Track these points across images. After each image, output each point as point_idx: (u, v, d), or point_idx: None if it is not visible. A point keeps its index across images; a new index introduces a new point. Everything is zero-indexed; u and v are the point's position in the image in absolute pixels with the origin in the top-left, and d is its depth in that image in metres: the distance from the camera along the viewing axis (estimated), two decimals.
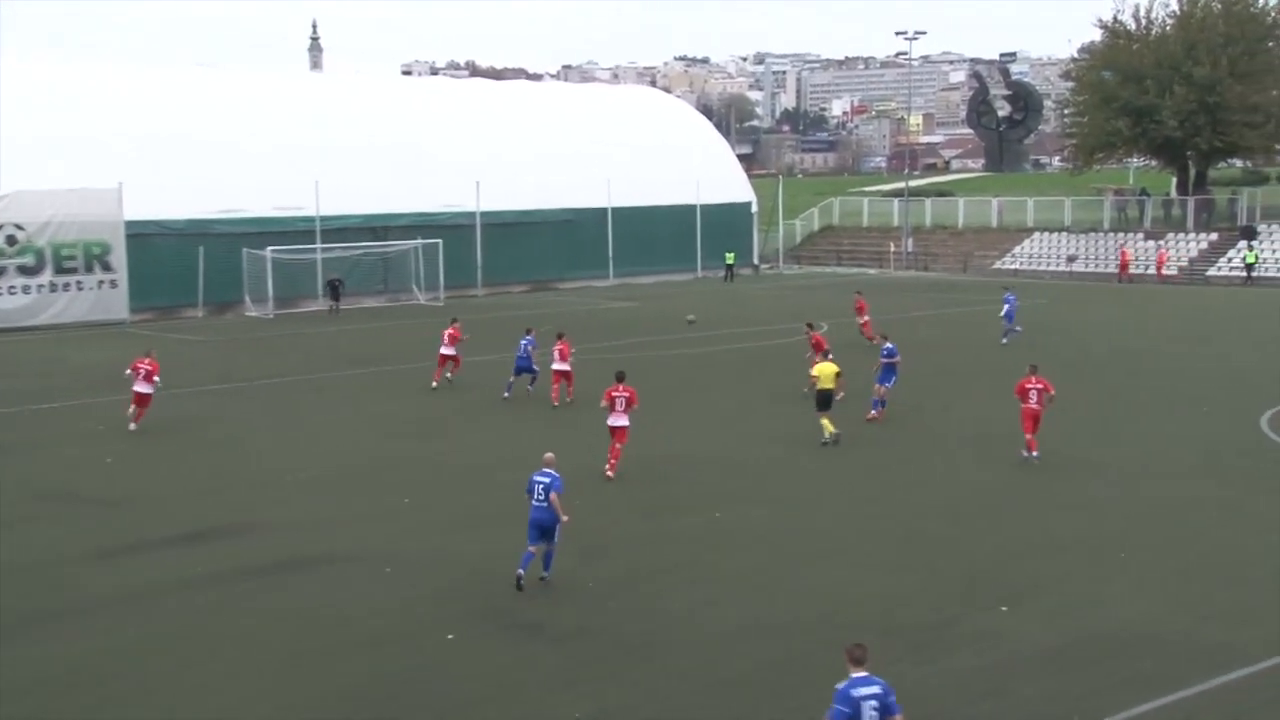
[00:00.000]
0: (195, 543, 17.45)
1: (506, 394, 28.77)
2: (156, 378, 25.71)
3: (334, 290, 49.67)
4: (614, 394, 20.90)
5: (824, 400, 23.39)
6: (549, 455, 15.81)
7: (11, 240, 44.61)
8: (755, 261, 69.59)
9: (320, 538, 17.68)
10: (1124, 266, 60.44)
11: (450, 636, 13.71)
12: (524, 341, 28.97)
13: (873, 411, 25.22)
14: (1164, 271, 59.66)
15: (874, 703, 9.04)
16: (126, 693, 12.40)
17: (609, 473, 20.73)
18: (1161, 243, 62.65)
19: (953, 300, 51.88)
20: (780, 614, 14.23)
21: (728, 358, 35.52)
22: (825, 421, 23.23)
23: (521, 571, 15.16)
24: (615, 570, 16.01)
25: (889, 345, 25.70)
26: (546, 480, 15.26)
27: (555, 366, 27.94)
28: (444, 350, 30.61)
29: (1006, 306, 37.84)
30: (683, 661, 12.95)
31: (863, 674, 9.19)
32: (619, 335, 40.38)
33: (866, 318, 37.22)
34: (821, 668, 12.67)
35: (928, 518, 18.36)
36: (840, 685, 9.13)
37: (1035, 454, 21.54)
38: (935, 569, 15.85)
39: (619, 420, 20.81)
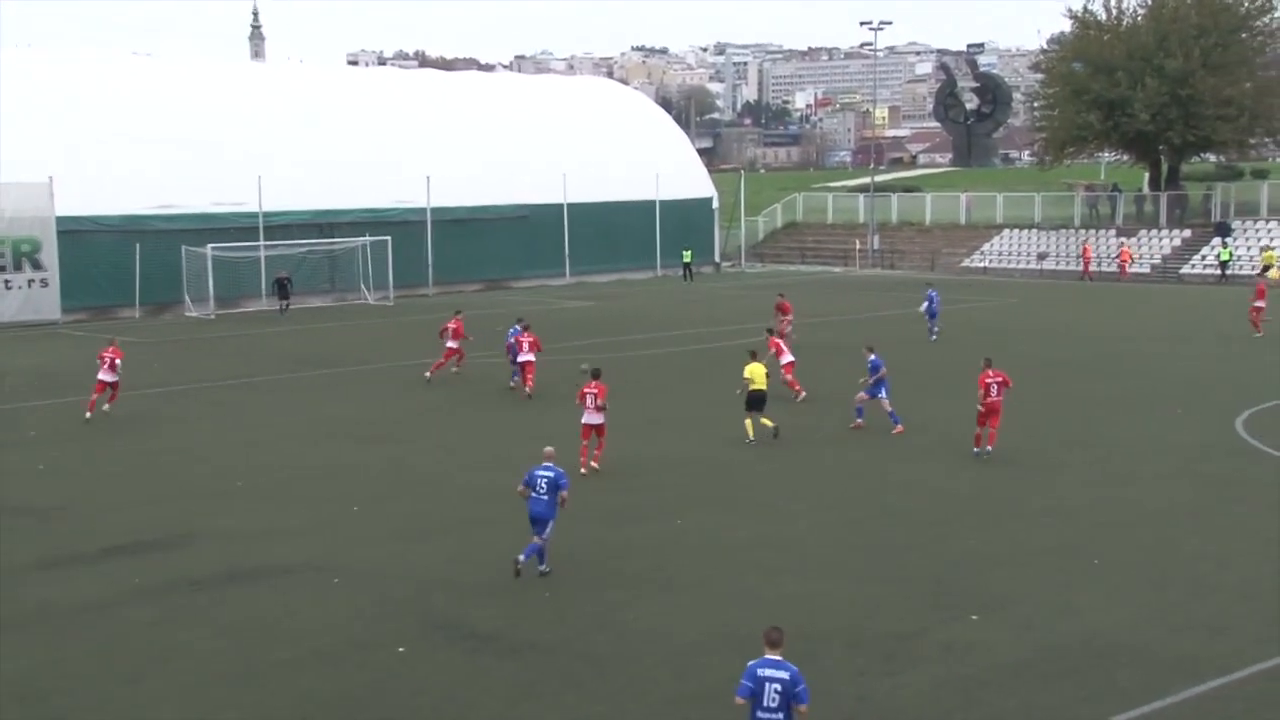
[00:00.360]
0: (136, 554, 17.31)
1: (512, 384, 30.19)
2: (119, 361, 27.19)
3: (282, 289, 49.26)
4: (587, 391, 21.45)
5: (755, 401, 23.99)
6: (549, 449, 16.57)
7: None
8: (716, 259, 69.86)
9: (266, 548, 17.59)
10: (1086, 264, 61.15)
11: (402, 649, 13.70)
12: (513, 331, 30.18)
13: (858, 420, 25.38)
14: (1128, 269, 60.36)
15: (778, 685, 9.69)
16: (76, 707, 12.33)
17: (583, 470, 21.21)
18: (1125, 239, 63.43)
19: (919, 300, 52.23)
20: (746, 624, 14.29)
21: (687, 359, 35.64)
22: (749, 423, 23.91)
23: (522, 559, 15.90)
24: (575, 579, 16.04)
25: (874, 358, 25.62)
26: (551, 475, 16.04)
27: (522, 358, 29.48)
28: (450, 344, 31.24)
29: (927, 303, 38.88)
30: (647, 674, 13.01)
31: (775, 657, 9.84)
32: (576, 335, 40.38)
33: (789, 317, 37.14)
34: None
35: (894, 524, 18.53)
36: (751, 662, 9.84)
37: (990, 449, 22.40)
38: (903, 577, 16.00)
39: (594, 418, 21.39)
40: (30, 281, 45.94)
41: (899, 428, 24.88)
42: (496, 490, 20.75)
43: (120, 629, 14.44)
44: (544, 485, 15.94)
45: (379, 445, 24.59)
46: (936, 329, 38.75)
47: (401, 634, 14.15)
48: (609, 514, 19.22)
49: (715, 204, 70.06)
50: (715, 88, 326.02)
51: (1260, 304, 39.58)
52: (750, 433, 23.90)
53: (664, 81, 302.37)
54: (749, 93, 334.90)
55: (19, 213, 45.29)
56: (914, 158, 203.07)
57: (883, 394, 25.23)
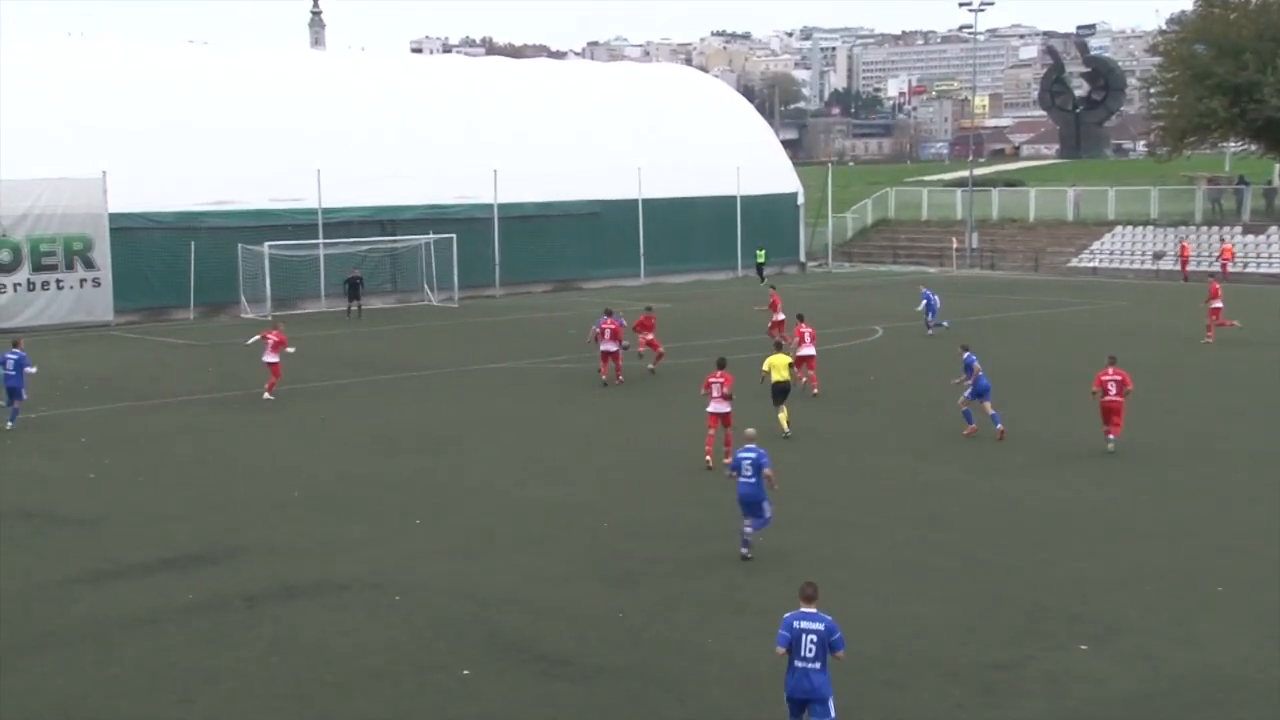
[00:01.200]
0: (187, 567, 17.65)
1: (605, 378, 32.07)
2: (289, 348, 30.82)
3: (353, 289, 49.14)
4: (712, 380, 22.96)
5: (779, 393, 25.56)
6: (751, 430, 18.11)
7: None
8: (802, 259, 69.62)
9: (322, 562, 17.84)
10: (1185, 263, 59.90)
11: (466, 671, 13.82)
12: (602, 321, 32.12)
13: (970, 425, 25.48)
14: (1228, 268, 58.53)
15: (814, 636, 11.04)
16: None
17: (708, 462, 22.76)
18: (1239, 239, 62.07)
19: (1019, 302, 51.69)
20: None
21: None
22: (782, 416, 25.43)
23: (745, 551, 17.44)
24: (647, 599, 16.08)
25: (968, 355, 25.83)
26: (753, 455, 17.40)
27: (604, 347, 31.57)
28: (605, 347, 32.01)
29: (925, 302, 41.18)
30: (723, 701, 13.01)
31: (811, 610, 11.19)
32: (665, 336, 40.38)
33: (780, 316, 37.17)
34: (878, 709, 12.70)
35: (987, 542, 18.34)
36: (787, 614, 11.22)
37: (1113, 438, 23.53)
38: (1000, 601, 15.83)
39: (720, 406, 22.75)
40: (82, 281, 46.92)
41: (1000, 429, 25.00)
42: (565, 504, 20.90)
43: (171, 645, 14.72)
44: (749, 468, 17.30)
45: (441, 454, 24.84)
46: (943, 323, 40.88)
47: (465, 655, 14.27)
48: (681, 530, 19.23)
49: (800, 200, 69.83)
50: (801, 75, 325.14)
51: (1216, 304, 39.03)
52: (785, 426, 25.12)
53: (746, 69, 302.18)
54: (837, 80, 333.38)
55: (70, 209, 46.23)
56: (1017, 149, 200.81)
57: (986, 399, 25.29)
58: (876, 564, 17.51)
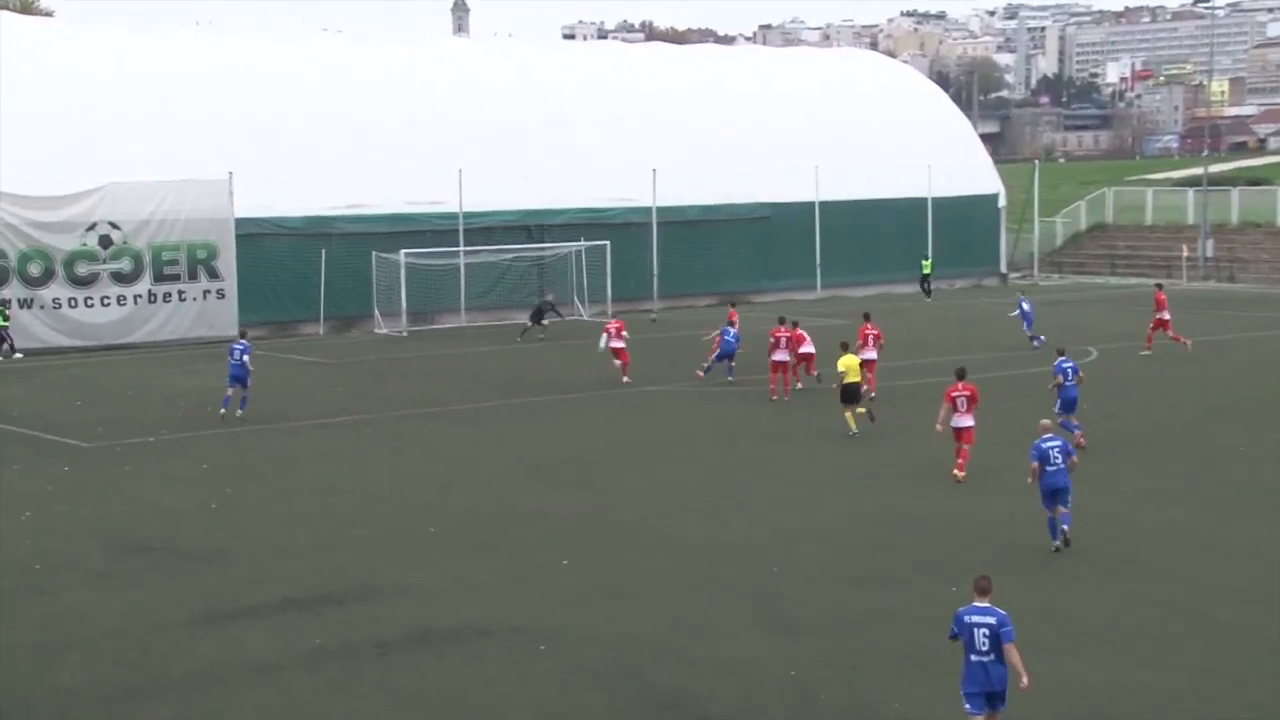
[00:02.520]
0: (313, 608, 18.15)
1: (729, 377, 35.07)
2: (625, 332, 36.55)
3: (539, 313, 48.35)
4: (954, 394, 24.76)
5: (849, 394, 28.83)
6: (1046, 422, 20.74)
7: (106, 241, 46.69)
8: (1003, 270, 68.56)
9: (461, 605, 18.17)
10: None
11: None
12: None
13: (1079, 437, 26.40)
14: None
15: (985, 630, 12.34)
16: None
17: (958, 474, 24.62)
18: None
19: (1262, 320, 50.04)
20: (1028, 715, 13.99)
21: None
22: (849, 416, 28.73)
23: (1056, 542, 19.89)
24: (821, 654, 16.01)
25: (1061, 360, 27.72)
26: (1059, 443, 20.05)
27: (776, 357, 33.44)
28: (777, 357, 33.83)
29: (1018, 311, 43.82)
30: None
31: (984, 604, 12.54)
32: (825, 362, 40.14)
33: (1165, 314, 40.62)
34: None
35: (1225, 599, 17.82)
36: (960, 609, 12.59)
37: None
38: (1243, 663, 15.36)
39: (964, 421, 24.73)
40: (206, 293, 48.15)
41: (1078, 434, 26.36)
42: (728, 543, 20.92)
43: (296, 694, 15.16)
44: (1058, 456, 19.74)
45: (591, 486, 25.12)
46: (1041, 337, 42.12)
47: (618, 712, 14.39)
48: (862, 576, 19.11)
49: (1002, 202, 68.81)
50: (1004, 59, 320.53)
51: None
52: (852, 424, 28.60)
53: (940, 53, 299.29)
54: (1047, 65, 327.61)
55: (195, 214, 47.56)
56: (1262, 142, 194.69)
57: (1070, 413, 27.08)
58: (1083, 619, 17.14)
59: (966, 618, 12.42)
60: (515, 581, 19.22)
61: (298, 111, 52.86)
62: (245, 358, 31.54)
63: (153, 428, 31.56)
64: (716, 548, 20.74)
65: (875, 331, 34.05)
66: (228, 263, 48.39)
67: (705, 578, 19.26)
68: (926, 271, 62.83)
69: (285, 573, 19.74)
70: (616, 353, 36.79)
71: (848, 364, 29.13)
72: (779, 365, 33.62)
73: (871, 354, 33.14)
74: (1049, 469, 19.65)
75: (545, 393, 36.13)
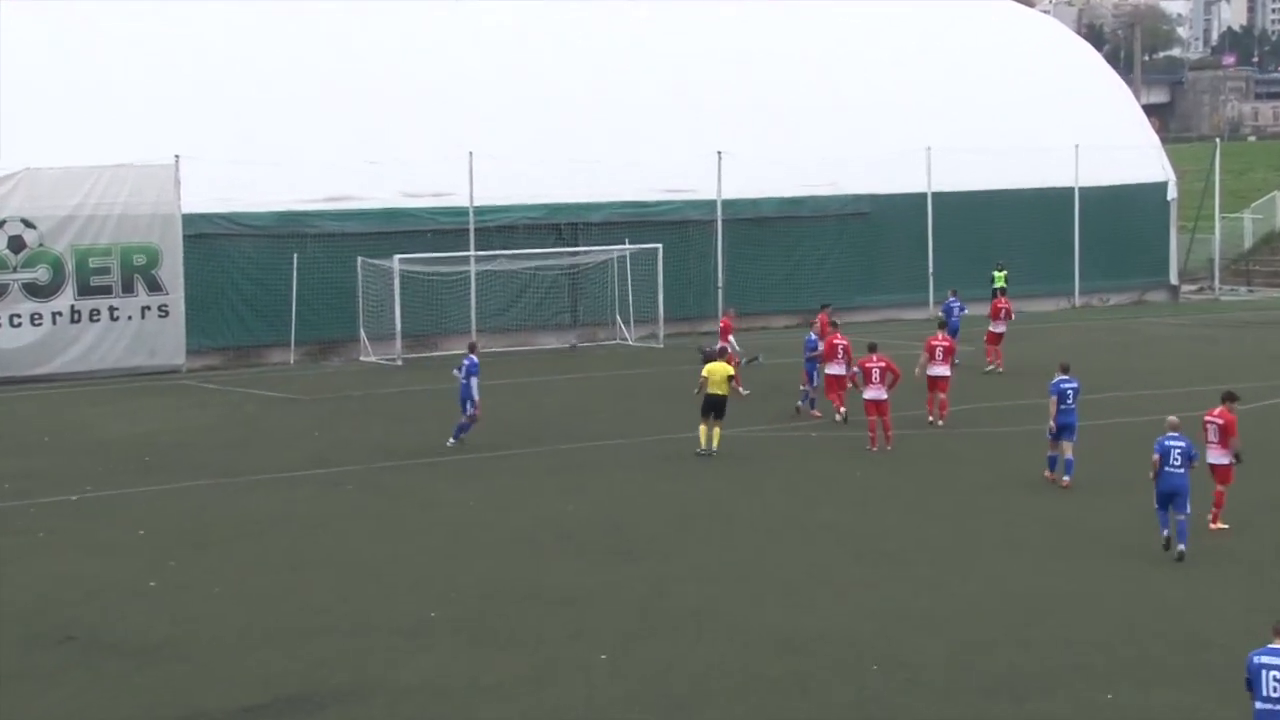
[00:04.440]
0: (283, 714, 18.16)
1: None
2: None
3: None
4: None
5: (711, 405, 33.00)
6: (1173, 419, 24.28)
7: (17, 244, 46.01)
8: (1173, 281, 67.96)
9: (471, 710, 18.14)
10: None
11: None
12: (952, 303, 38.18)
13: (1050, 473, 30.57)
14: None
15: (1276, 673, 14.34)
16: None
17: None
18: None
19: None
20: None
21: (1114, 441, 34.85)
22: (703, 430, 33.10)
23: (1181, 547, 23.71)
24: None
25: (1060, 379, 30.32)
26: (1182, 445, 23.87)
27: (869, 395, 33.90)
28: (870, 395, 34.31)
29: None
30: None
31: (1277, 645, 14.54)
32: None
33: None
34: None
35: None
36: (1251, 652, 14.64)
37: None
38: None
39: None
40: (145, 309, 47.64)
41: (1066, 480, 29.78)
42: (815, 633, 20.81)
43: None
44: (1177, 457, 23.70)
45: (635, 558, 25.05)
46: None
47: None
48: (981, 677, 19.01)
49: (1172, 193, 68.30)
50: (1177, 8, 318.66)
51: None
52: (702, 441, 33.07)
53: (1093, 2, 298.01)
54: (1232, 15, 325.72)
55: (131, 209, 47.17)
56: None
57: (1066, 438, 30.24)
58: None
59: (1258, 659, 14.44)
60: (544, 680, 19.20)
61: (262, 83, 52.82)
62: (472, 379, 34.42)
63: (76, 483, 31.64)
64: (801, 639, 20.66)
65: (947, 344, 37.00)
66: (173, 271, 47.87)
67: (789, 677, 19.16)
68: (999, 285, 59.14)
69: (244, 670, 19.72)
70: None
71: (713, 371, 33.21)
72: (874, 406, 33.66)
73: (944, 370, 36.59)
74: (1168, 469, 23.81)
75: (574, 439, 36.09)
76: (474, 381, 34.21)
